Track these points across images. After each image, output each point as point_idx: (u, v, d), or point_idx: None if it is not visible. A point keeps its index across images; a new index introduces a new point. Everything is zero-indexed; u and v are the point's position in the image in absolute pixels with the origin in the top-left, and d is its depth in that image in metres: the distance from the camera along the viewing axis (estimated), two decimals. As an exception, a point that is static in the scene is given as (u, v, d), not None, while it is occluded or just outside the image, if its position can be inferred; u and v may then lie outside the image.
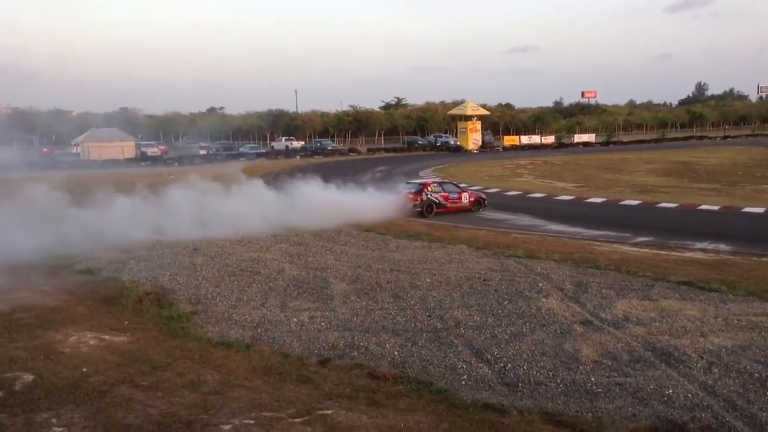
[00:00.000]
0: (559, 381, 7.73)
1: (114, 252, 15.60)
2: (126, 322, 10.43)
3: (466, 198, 24.29)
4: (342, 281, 12.70)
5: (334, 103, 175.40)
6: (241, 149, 67.51)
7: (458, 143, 70.74)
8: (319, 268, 13.90)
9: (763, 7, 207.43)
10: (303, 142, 76.88)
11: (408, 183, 25.86)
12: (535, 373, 7.99)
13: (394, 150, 70.87)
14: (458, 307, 10.76)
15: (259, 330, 9.97)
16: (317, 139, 78.86)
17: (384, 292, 11.85)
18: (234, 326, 10.20)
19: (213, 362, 8.65)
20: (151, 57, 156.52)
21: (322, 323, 10.19)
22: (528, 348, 8.81)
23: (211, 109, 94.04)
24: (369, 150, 71.16)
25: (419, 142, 75.65)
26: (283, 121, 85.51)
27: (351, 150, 70.05)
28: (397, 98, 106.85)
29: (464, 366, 8.28)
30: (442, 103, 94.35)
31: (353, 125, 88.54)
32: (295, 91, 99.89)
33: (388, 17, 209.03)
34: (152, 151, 60.36)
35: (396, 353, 8.82)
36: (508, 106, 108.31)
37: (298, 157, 62.61)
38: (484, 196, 25.39)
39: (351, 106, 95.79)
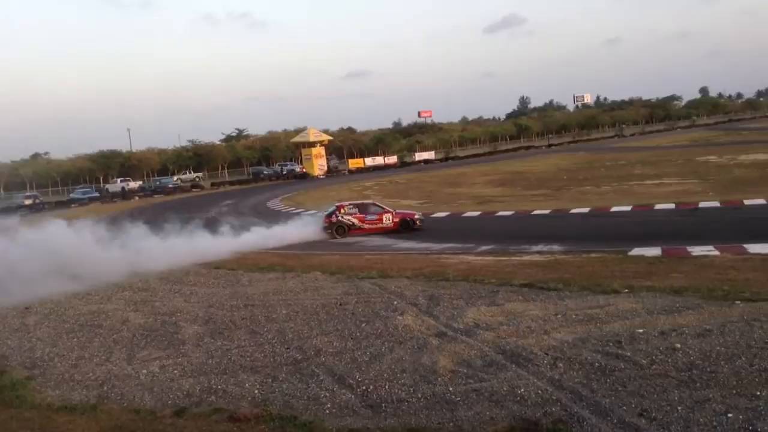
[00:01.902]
0: (420, 396, 7.86)
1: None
2: (-54, 400, 9.25)
3: (389, 219, 23.75)
4: (194, 324, 12.15)
5: (172, 138, 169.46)
6: (71, 195, 62.61)
7: (304, 170, 70.96)
8: (168, 312, 13.20)
9: (573, 24, 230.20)
10: (141, 182, 73.36)
11: (331, 205, 25.57)
12: (396, 391, 8.07)
13: (240, 182, 69.54)
14: (317, 335, 10.67)
15: (105, 387, 9.24)
16: (156, 178, 75.51)
17: (239, 330, 11.48)
18: (77, 387, 9.38)
19: (55, 430, 7.89)
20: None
21: (175, 371, 9.65)
22: (388, 367, 8.89)
23: (35, 155, 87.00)
24: (213, 184, 69.29)
25: (265, 172, 74.76)
26: (117, 161, 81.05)
27: (194, 186, 67.66)
28: (238, 129, 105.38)
29: (327, 394, 8.19)
30: (285, 132, 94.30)
31: (194, 160, 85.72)
32: (128, 130, 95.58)
33: (217, 48, 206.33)
34: (-32, 204, 54.70)
35: (256, 392, 8.55)
36: (350, 129, 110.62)
37: (137, 198, 59.57)
38: (415, 216, 24.28)
39: (190, 140, 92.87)
